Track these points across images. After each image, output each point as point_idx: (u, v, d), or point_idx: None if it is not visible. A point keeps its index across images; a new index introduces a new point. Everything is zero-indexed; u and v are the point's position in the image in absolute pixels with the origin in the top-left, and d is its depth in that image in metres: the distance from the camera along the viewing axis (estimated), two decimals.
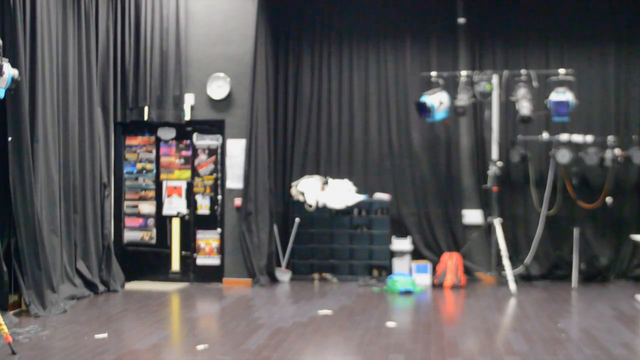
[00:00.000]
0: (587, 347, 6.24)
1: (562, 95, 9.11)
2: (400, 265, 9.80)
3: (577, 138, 9.43)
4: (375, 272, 9.94)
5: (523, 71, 9.56)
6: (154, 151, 9.96)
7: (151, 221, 9.92)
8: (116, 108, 9.61)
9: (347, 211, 9.95)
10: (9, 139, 7.32)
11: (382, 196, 10.01)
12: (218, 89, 9.70)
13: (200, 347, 6.14)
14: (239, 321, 7.32)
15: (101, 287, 8.88)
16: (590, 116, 9.87)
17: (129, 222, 9.92)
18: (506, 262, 9.10)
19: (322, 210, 9.89)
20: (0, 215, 7.51)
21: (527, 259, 9.70)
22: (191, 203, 9.86)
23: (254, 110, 9.54)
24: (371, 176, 10.27)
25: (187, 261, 9.82)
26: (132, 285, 9.43)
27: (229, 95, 9.69)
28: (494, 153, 9.52)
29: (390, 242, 9.88)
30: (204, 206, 9.84)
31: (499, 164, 9.49)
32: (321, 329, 7.01)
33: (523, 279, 9.68)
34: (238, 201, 9.64)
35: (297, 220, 10.00)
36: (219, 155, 9.84)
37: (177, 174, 9.92)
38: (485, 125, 9.78)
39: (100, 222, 9.10)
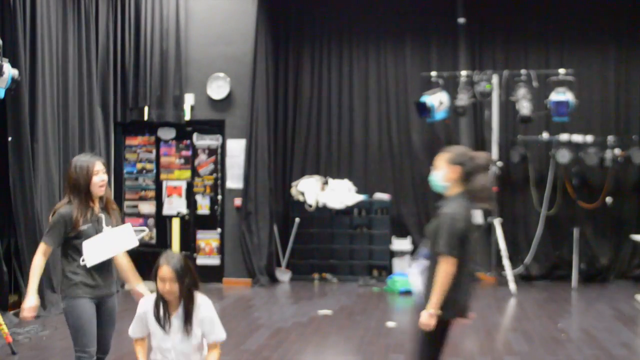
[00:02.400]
0: (587, 347, 6.24)
1: (562, 95, 9.10)
2: (400, 265, 9.80)
3: (577, 138, 9.42)
4: (375, 272, 9.94)
5: (523, 71, 9.56)
6: (154, 151, 9.96)
7: (151, 221, 9.92)
8: (116, 108, 9.60)
9: (347, 211, 9.95)
10: (9, 138, 7.32)
11: (382, 196, 10.00)
12: (218, 89, 9.70)
13: None
14: (239, 321, 7.33)
15: None
16: (590, 116, 9.87)
17: (129, 222, 9.90)
18: (506, 262, 9.10)
19: (322, 210, 9.89)
20: (0, 215, 7.51)
21: (527, 259, 9.70)
22: (191, 203, 9.86)
23: (254, 110, 9.54)
24: (371, 176, 10.27)
25: None
26: None
27: (229, 95, 9.69)
28: (494, 153, 9.51)
29: (390, 242, 9.88)
30: (204, 206, 9.84)
31: (499, 164, 9.49)
32: (321, 329, 7.01)
33: (523, 279, 9.68)
34: (238, 201, 9.64)
35: (297, 220, 9.99)
36: (219, 155, 9.84)
37: (177, 174, 9.92)
38: (485, 125, 9.78)
39: None
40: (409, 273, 4.08)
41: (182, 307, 3.71)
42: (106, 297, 4.23)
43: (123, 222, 4.46)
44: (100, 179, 4.17)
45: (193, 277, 3.73)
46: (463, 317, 4.00)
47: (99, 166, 4.18)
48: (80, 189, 4.12)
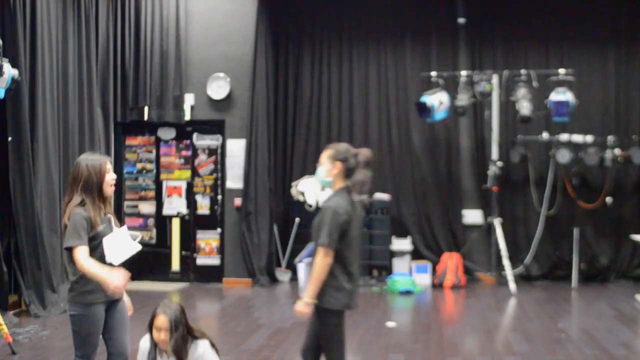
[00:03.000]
0: (587, 347, 6.24)
1: (562, 95, 9.11)
2: (400, 265, 9.80)
3: (577, 138, 9.43)
4: (375, 272, 9.94)
5: (523, 71, 9.56)
6: (154, 151, 9.96)
7: (151, 221, 9.92)
8: (116, 108, 9.60)
9: None
10: (9, 138, 7.33)
11: (382, 196, 10.00)
12: (218, 89, 9.70)
13: None
14: (239, 321, 7.33)
15: None
16: (590, 116, 9.87)
17: (129, 222, 9.91)
18: (506, 262, 9.10)
19: None
20: (0, 215, 7.51)
21: (527, 259, 9.70)
22: (191, 203, 9.86)
23: (254, 110, 9.55)
24: (371, 176, 10.23)
25: (187, 261, 9.82)
26: (132, 285, 9.36)
27: (229, 95, 9.69)
28: (494, 153, 9.52)
29: (390, 242, 9.88)
30: (204, 206, 9.85)
31: (499, 164, 9.49)
32: None
33: (523, 279, 9.68)
34: (238, 201, 9.64)
35: (297, 220, 9.99)
36: (219, 155, 9.84)
37: (177, 174, 9.92)
38: (485, 125, 9.78)
39: None
40: (299, 270, 4.24)
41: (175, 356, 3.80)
42: (116, 300, 4.12)
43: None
44: (111, 177, 4.11)
45: (187, 327, 3.82)
46: (350, 309, 4.15)
47: (109, 165, 4.13)
48: (93, 187, 4.01)
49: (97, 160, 4.08)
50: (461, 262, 9.61)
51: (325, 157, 4.21)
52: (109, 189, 4.11)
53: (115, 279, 3.77)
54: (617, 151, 9.30)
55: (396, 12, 10.21)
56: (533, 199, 9.80)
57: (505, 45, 10.07)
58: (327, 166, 4.19)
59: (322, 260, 4.00)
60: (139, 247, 4.20)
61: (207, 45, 9.73)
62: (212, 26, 9.73)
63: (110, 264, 3.97)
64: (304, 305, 4.01)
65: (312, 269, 4.04)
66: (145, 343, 3.89)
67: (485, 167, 9.77)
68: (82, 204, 3.98)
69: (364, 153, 4.23)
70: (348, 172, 4.16)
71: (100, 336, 4.09)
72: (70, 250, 3.90)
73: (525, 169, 9.86)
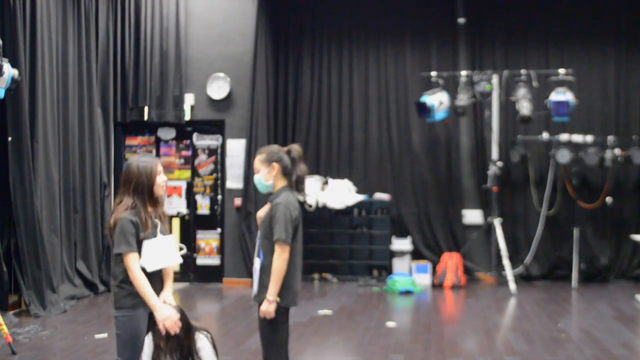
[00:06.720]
0: (587, 347, 6.24)
1: (562, 95, 9.11)
2: (400, 265, 9.80)
3: (577, 138, 9.43)
4: (375, 272, 9.94)
5: (523, 71, 9.56)
6: (154, 151, 9.95)
7: None
8: (116, 108, 9.60)
9: (347, 211, 9.94)
10: (9, 139, 7.33)
11: (382, 196, 10.00)
12: (218, 89, 9.70)
13: None
14: (239, 321, 7.33)
15: (101, 287, 8.87)
16: (590, 116, 9.87)
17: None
18: (506, 262, 9.10)
19: (322, 210, 9.89)
20: (0, 215, 7.51)
21: (527, 259, 9.70)
22: (191, 203, 9.86)
23: (254, 110, 9.55)
24: (371, 176, 10.27)
25: (187, 261, 9.82)
26: None
27: (229, 95, 9.69)
28: (494, 153, 9.52)
29: (390, 242, 9.88)
30: (204, 206, 9.85)
31: (499, 164, 9.49)
32: (321, 329, 7.01)
33: (523, 279, 9.68)
34: (238, 201, 9.64)
35: None
36: (219, 155, 9.84)
37: (177, 174, 9.91)
38: (485, 125, 9.78)
39: (100, 222, 9.08)
40: (254, 270, 4.25)
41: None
42: None
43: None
44: (162, 179, 4.03)
45: (187, 330, 3.89)
46: (295, 305, 4.19)
47: (160, 167, 4.05)
48: (144, 190, 3.94)
49: (149, 162, 4.00)
50: (461, 262, 9.61)
51: (259, 162, 4.21)
52: (160, 190, 4.03)
53: (165, 314, 3.81)
54: (617, 151, 9.30)
55: (396, 12, 10.21)
56: (533, 199, 9.80)
57: (505, 45, 10.07)
58: (264, 171, 4.20)
59: (282, 256, 4.06)
60: (179, 260, 4.14)
61: (206, 45, 9.72)
62: (212, 26, 9.73)
63: (144, 269, 3.89)
64: (268, 304, 4.01)
65: (272, 266, 4.04)
66: (148, 343, 3.89)
67: (485, 167, 9.77)
68: (133, 206, 3.92)
69: (295, 148, 4.27)
70: (285, 170, 4.20)
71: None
72: (119, 255, 3.87)
73: (525, 169, 9.86)
